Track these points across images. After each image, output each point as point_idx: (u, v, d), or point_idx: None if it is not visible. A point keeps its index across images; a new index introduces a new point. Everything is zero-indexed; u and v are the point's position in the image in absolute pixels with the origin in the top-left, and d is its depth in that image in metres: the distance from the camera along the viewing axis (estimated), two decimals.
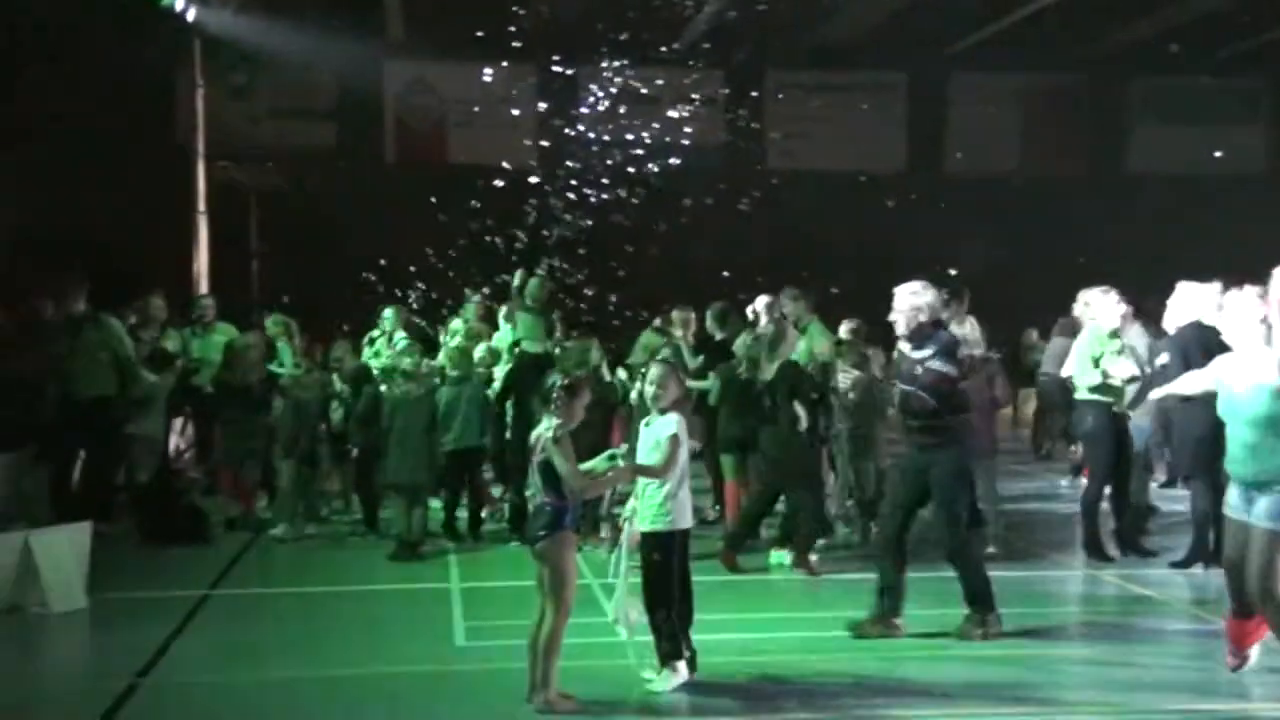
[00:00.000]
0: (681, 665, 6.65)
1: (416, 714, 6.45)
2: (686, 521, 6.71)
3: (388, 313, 12.62)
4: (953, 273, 11.91)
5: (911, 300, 7.65)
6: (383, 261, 17.05)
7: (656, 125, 19.42)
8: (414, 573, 9.58)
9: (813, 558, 9.44)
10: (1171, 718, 6.34)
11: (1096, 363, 9.65)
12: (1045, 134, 21.30)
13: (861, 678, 6.87)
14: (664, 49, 18.59)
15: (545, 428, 6.37)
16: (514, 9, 17.23)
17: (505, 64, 19.01)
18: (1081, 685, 6.99)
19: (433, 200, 18.03)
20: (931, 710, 6.43)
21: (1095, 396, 9.67)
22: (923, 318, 7.61)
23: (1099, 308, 9.87)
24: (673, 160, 19.11)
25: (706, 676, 6.77)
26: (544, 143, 19.53)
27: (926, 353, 7.60)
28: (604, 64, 18.89)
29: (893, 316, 7.73)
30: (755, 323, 11.23)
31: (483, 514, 10.99)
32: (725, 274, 17.13)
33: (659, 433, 6.70)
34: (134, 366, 10.83)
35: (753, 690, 6.72)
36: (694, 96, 19.74)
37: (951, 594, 7.73)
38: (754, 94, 20.75)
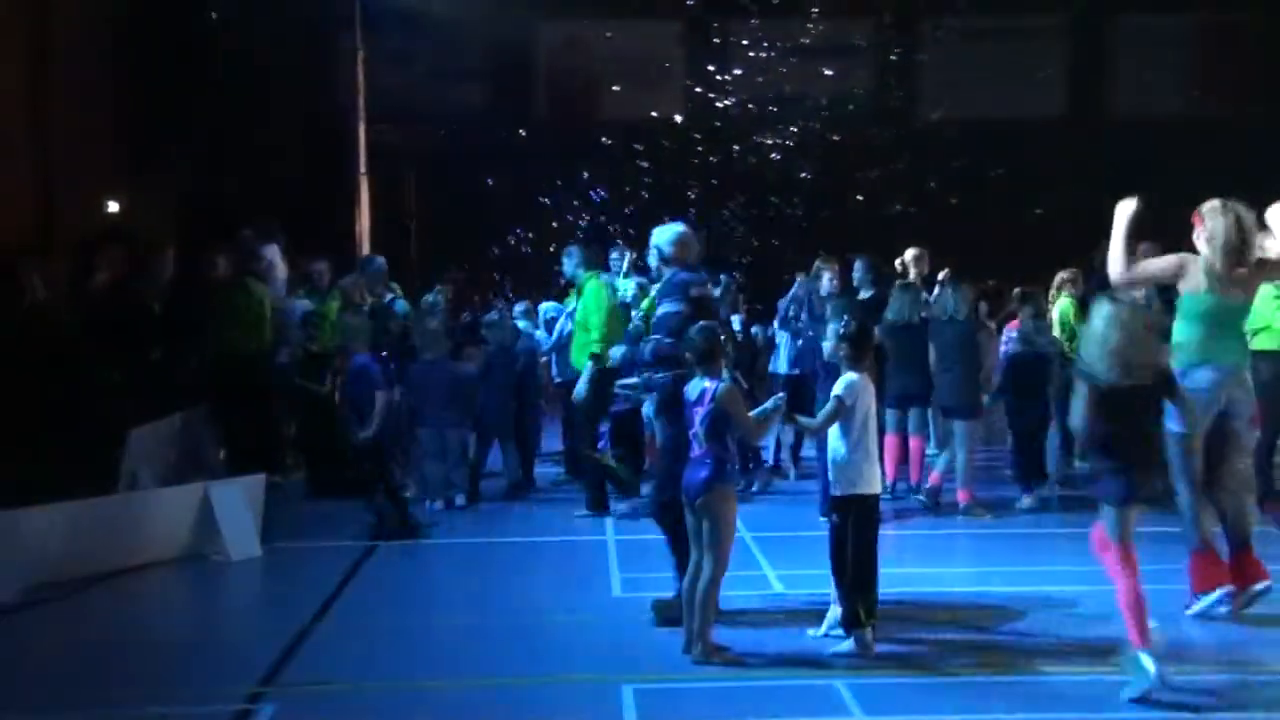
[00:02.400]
0: (862, 634, 6.42)
1: (576, 660, 6.59)
2: (862, 488, 6.50)
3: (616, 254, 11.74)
4: None
5: None
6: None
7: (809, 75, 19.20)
8: (572, 526, 9.77)
9: None
10: None
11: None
12: (1216, 74, 20.36)
13: None
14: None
15: (709, 382, 6.40)
16: None
17: (652, 18, 19.00)
18: None
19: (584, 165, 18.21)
20: None
21: (1270, 346, 9.24)
22: None
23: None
24: (824, 110, 18.93)
25: None
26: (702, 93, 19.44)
27: None
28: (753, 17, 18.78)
29: None
30: (905, 274, 11.20)
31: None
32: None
33: (833, 390, 6.59)
34: (280, 327, 11.19)
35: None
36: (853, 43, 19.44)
37: None
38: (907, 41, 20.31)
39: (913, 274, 11.48)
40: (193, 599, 8.29)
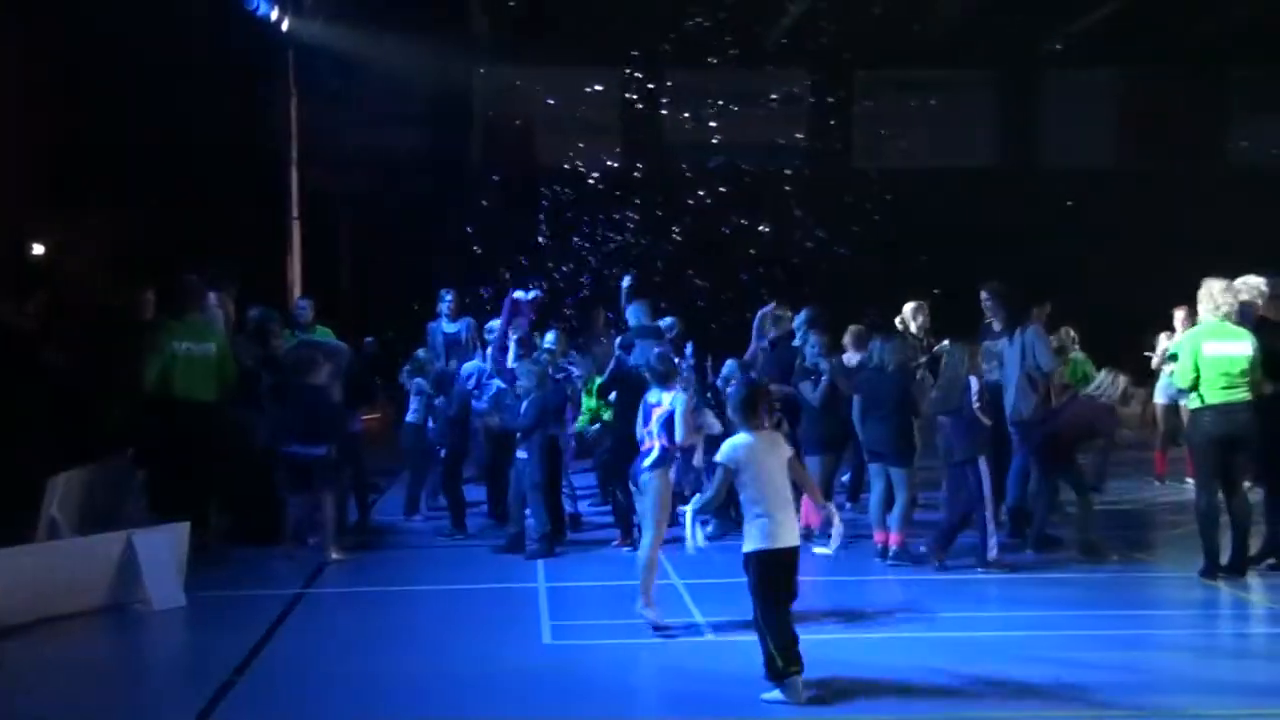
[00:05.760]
0: (789, 682, 6.44)
1: (505, 707, 6.51)
2: (748, 545, 6.60)
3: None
4: None
5: None
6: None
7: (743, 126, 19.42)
8: (503, 573, 9.68)
9: None
10: None
11: None
12: (1141, 128, 20.82)
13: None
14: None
15: (669, 394, 8.13)
16: (601, 13, 17.36)
17: (592, 67, 19.14)
18: None
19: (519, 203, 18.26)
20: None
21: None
22: None
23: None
24: (758, 162, 19.15)
25: None
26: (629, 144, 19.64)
27: None
28: (690, 65, 18.98)
29: None
30: (905, 332, 11.30)
31: None
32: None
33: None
34: (230, 371, 11.01)
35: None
36: (776, 96, 19.71)
37: None
38: (840, 93, 20.59)
39: (913, 328, 11.58)
40: (114, 650, 8.09)
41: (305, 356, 10.55)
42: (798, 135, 20.32)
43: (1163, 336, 12.96)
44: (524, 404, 10.21)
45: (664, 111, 19.84)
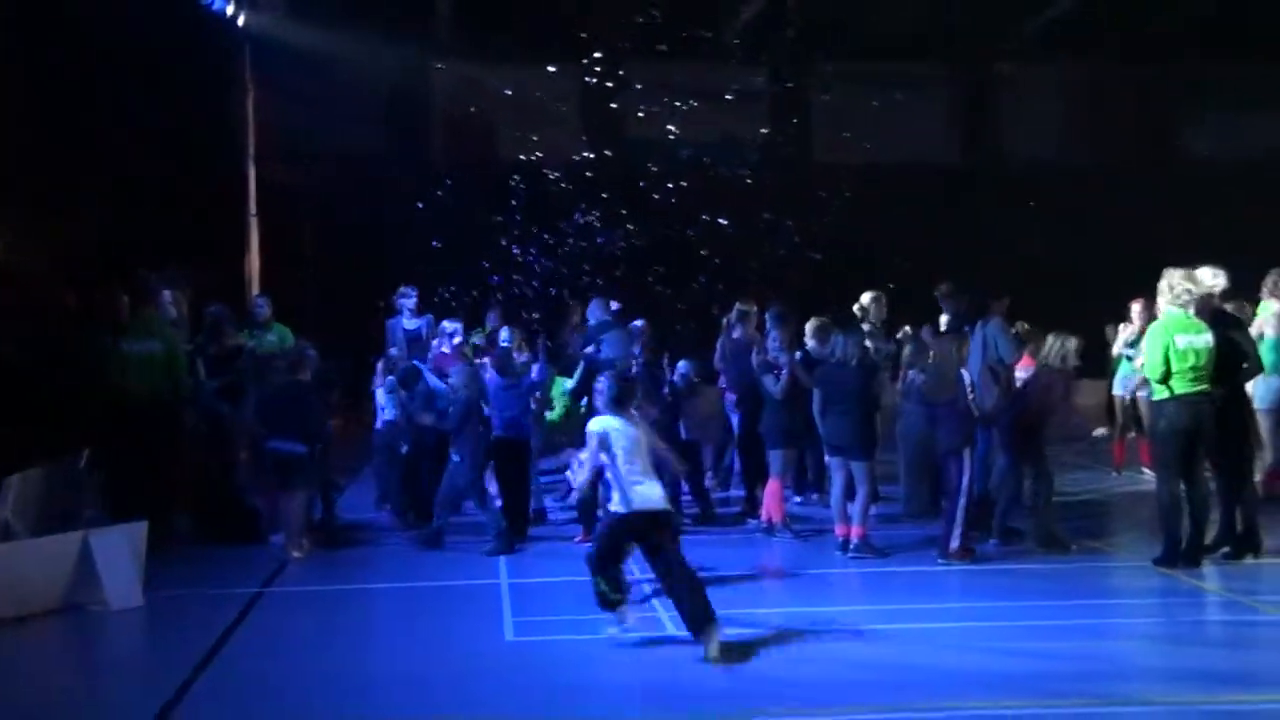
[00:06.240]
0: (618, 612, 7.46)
1: (469, 705, 6.48)
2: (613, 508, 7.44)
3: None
4: None
5: None
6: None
7: (702, 120, 19.42)
8: (465, 570, 9.65)
9: None
10: None
11: None
12: (1093, 123, 21.00)
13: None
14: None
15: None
16: (560, 9, 17.34)
17: (551, 63, 19.10)
18: None
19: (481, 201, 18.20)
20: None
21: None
22: None
23: None
24: (718, 157, 19.18)
25: None
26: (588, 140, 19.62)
27: None
28: (650, 60, 18.97)
29: None
30: (864, 319, 11.39)
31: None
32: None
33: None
34: (179, 368, 10.92)
35: None
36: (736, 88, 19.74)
37: None
38: (796, 87, 20.65)
39: (872, 316, 11.63)
40: (70, 651, 8.02)
41: (294, 354, 10.57)
42: (763, 130, 20.34)
43: (1122, 327, 13.06)
44: (452, 404, 10.27)
45: (614, 105, 19.75)
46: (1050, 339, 10.16)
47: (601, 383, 7.68)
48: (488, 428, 10.55)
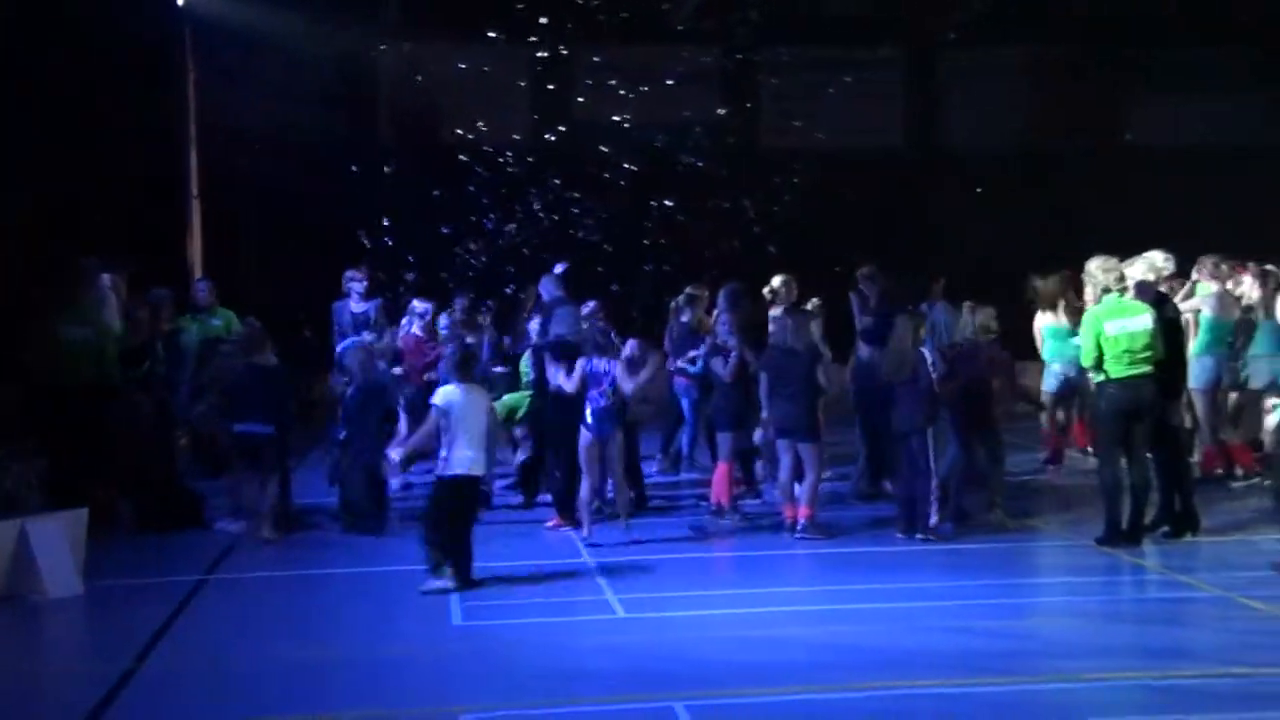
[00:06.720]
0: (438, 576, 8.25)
1: (414, 691, 6.45)
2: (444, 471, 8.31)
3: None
4: None
5: None
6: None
7: (652, 103, 19.34)
8: (412, 555, 9.57)
9: None
10: None
11: None
12: (1044, 107, 21.09)
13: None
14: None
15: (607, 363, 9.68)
16: None
17: (499, 43, 18.93)
18: None
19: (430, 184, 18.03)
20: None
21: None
22: None
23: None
24: (668, 138, 19.12)
25: None
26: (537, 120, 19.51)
27: None
28: (597, 41, 18.87)
29: None
30: (774, 301, 11.42)
31: None
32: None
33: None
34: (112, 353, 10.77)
35: None
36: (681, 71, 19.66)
37: None
38: (748, 70, 20.61)
39: (782, 299, 11.66)
40: (7, 641, 7.84)
41: (255, 335, 10.46)
42: (720, 111, 20.27)
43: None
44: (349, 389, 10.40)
45: (550, 87, 19.62)
46: (964, 312, 10.29)
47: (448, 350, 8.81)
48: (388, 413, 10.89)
